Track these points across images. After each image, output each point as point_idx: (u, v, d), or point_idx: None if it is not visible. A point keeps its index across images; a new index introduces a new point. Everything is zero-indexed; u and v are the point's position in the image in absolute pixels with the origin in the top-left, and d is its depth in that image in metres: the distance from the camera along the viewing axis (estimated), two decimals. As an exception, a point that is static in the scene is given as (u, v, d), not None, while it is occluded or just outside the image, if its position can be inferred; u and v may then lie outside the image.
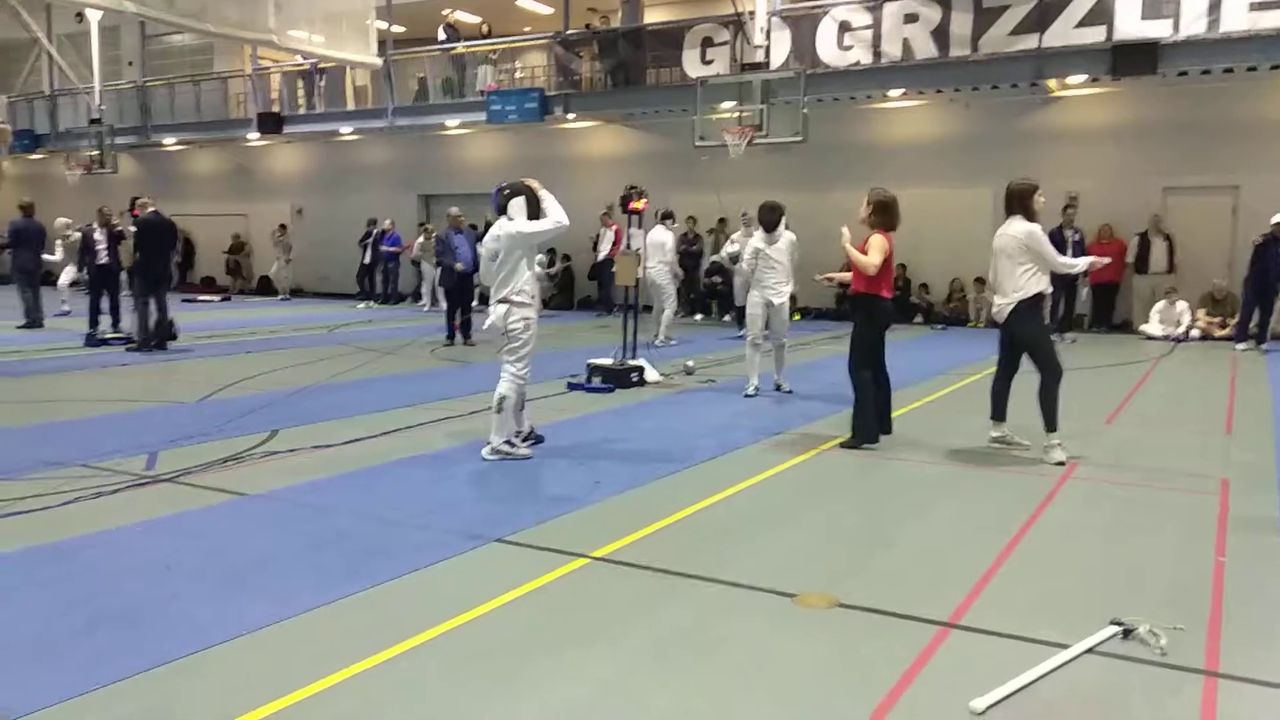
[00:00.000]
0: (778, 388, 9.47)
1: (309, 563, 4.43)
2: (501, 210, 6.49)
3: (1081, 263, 7.09)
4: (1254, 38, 13.32)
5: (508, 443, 6.50)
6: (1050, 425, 6.54)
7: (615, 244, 18.15)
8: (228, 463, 6.33)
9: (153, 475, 5.98)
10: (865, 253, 6.84)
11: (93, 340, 12.88)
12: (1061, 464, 6.39)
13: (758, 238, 9.21)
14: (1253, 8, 13.29)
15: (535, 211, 6.40)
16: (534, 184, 6.52)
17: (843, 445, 6.97)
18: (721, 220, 18.31)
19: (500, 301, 6.40)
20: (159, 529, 4.93)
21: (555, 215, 6.39)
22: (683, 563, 4.45)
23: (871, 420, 6.97)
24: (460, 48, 20.89)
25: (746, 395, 9.09)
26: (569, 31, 19.28)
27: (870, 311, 7.04)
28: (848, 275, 7.10)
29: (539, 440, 6.89)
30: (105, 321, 13.60)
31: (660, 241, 13.78)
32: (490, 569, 4.41)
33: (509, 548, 4.68)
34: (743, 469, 6.30)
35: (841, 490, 5.99)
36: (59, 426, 7.62)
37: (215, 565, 4.37)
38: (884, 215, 6.95)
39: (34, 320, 14.81)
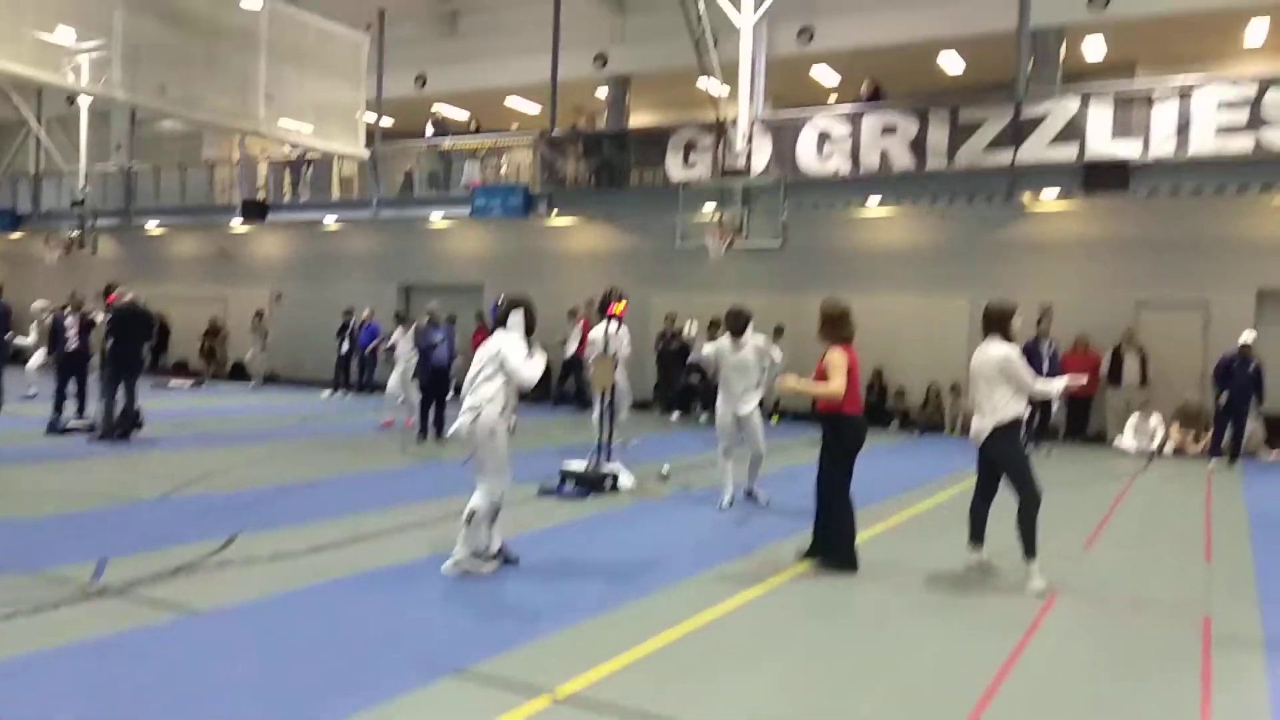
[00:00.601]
0: (749, 495, 9.28)
1: (257, 696, 4.18)
2: (501, 322, 6.42)
3: (1057, 386, 6.93)
4: (1221, 160, 13.72)
5: (473, 557, 6.28)
6: (1030, 552, 6.41)
7: (582, 341, 18.18)
8: (180, 573, 6.07)
9: (100, 587, 5.71)
10: (824, 371, 6.64)
11: (55, 428, 12.57)
12: (1042, 593, 6.25)
13: (724, 342, 8.97)
14: (1219, 132, 13.73)
15: (532, 326, 6.40)
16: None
17: (818, 566, 6.74)
18: (713, 324, 18.32)
19: (469, 409, 6.25)
20: (101, 650, 4.66)
21: (535, 369, 6.25)
22: (652, 702, 4.24)
23: (852, 544, 6.75)
24: (447, 143, 21.20)
25: (721, 509, 8.87)
26: (555, 131, 19.63)
27: (838, 430, 6.77)
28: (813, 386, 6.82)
29: (511, 561, 6.54)
30: (70, 408, 13.31)
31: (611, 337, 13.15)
32: (449, 707, 4.19)
33: (469, 680, 4.45)
34: (715, 592, 6.10)
35: (817, 621, 5.78)
36: (6, 527, 7.31)
37: (157, 697, 4.11)
38: (836, 329, 6.75)
39: None
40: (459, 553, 6.23)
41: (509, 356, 6.18)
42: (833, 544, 6.81)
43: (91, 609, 5.32)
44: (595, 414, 11.51)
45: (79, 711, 3.94)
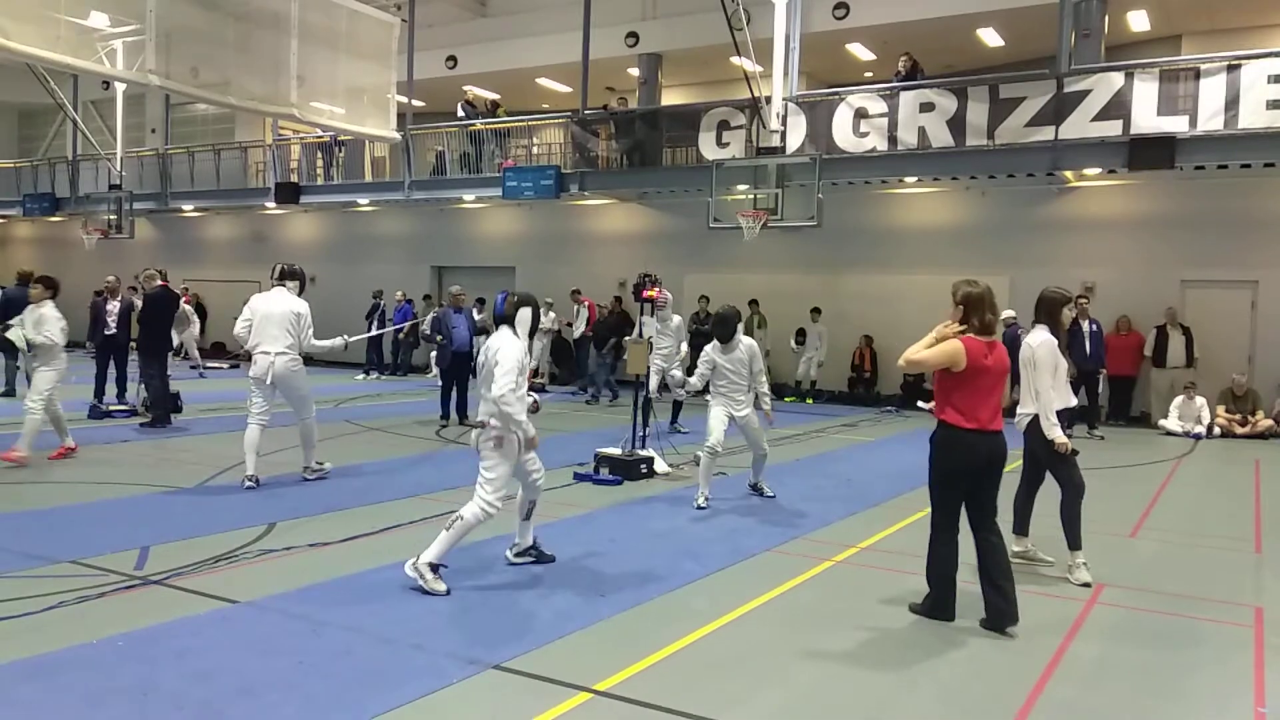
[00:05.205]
0: (754, 489, 8.95)
1: (297, 690, 4.18)
2: (508, 320, 5.92)
3: (1056, 434, 6.14)
4: (1272, 134, 13.30)
5: (434, 567, 5.63)
6: (1074, 543, 6.28)
7: (590, 320, 18.51)
8: (220, 562, 6.11)
9: (142, 576, 5.76)
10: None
11: (97, 412, 12.75)
12: (1087, 585, 6.12)
13: (713, 349, 8.60)
14: (1270, 105, 13.29)
15: (535, 328, 6.01)
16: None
17: (911, 608, 5.59)
18: (753, 302, 18.16)
19: (482, 418, 5.84)
20: (142, 643, 4.68)
21: (510, 400, 5.61)
22: (689, 700, 4.18)
23: (944, 589, 5.44)
24: (479, 124, 21.13)
25: (698, 506, 8.28)
26: (586, 111, 19.47)
27: (936, 441, 5.35)
28: None
29: (547, 560, 6.35)
30: (111, 392, 13.48)
31: (290, 312, 8.78)
32: (488, 703, 4.16)
33: (508, 676, 4.43)
34: (754, 584, 6.03)
35: (856, 614, 5.65)
36: (52, 515, 7.40)
37: (196, 692, 4.12)
38: (970, 313, 5.42)
39: (8, 390, 14.74)
40: (425, 556, 5.62)
41: (499, 375, 5.63)
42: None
43: (133, 599, 5.36)
44: (312, 421, 9.52)
45: (121, 707, 3.95)
